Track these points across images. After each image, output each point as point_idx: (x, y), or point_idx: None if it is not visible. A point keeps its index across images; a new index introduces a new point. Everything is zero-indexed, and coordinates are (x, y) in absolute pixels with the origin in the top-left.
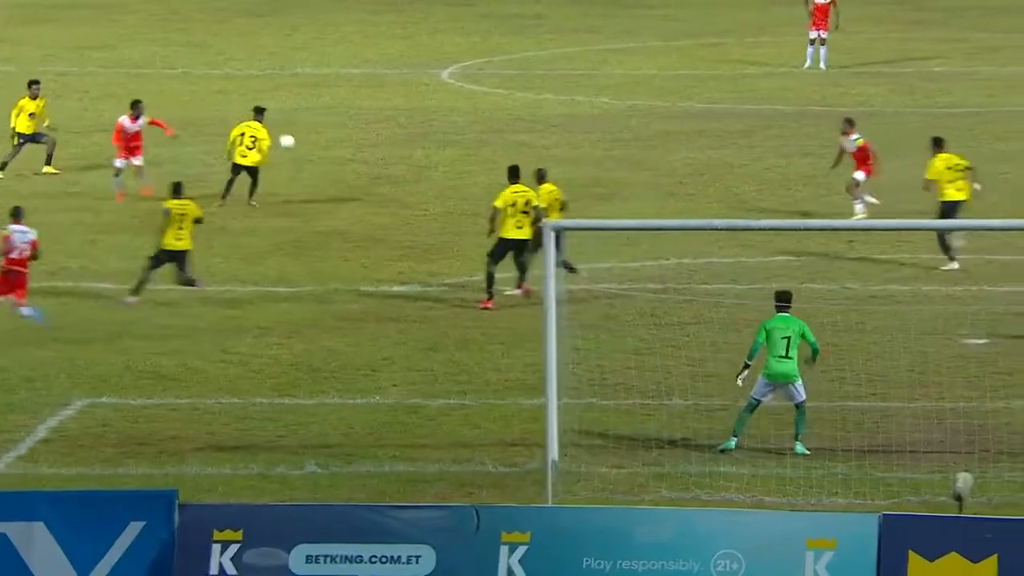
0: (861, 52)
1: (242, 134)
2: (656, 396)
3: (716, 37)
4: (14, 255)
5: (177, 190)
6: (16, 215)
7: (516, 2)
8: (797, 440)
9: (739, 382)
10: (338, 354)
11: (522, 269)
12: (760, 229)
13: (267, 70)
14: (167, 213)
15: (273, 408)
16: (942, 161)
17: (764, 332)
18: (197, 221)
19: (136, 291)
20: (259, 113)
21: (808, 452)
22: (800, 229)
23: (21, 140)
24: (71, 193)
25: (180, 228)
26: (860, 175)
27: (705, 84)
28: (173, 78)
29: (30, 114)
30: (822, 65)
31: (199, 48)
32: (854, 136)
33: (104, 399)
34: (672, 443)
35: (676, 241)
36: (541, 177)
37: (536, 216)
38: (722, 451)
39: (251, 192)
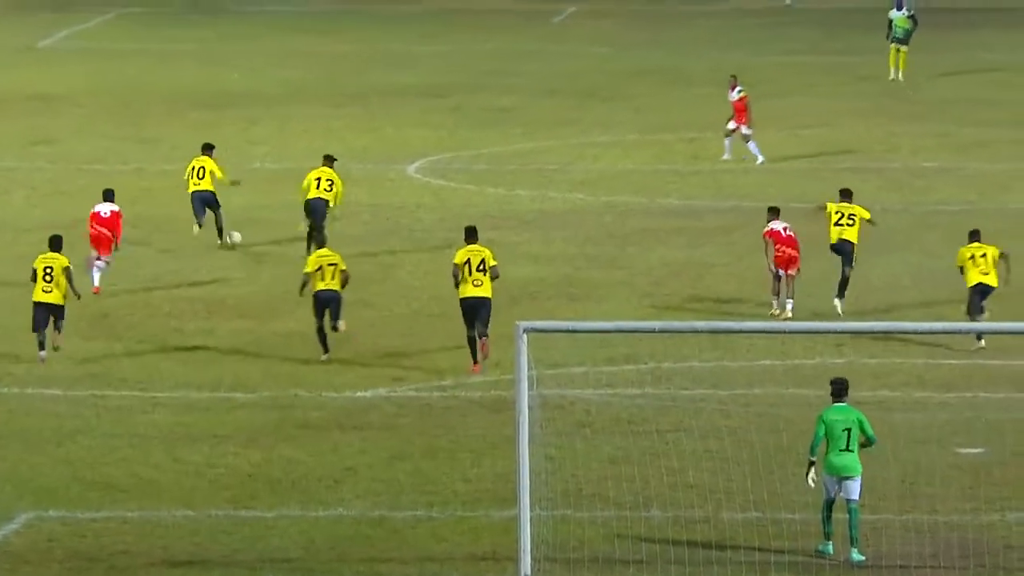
0: (847, 146)
1: (318, 179)
2: (634, 507)
3: (695, 131)
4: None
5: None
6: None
7: (486, 94)
8: (853, 547)
9: (809, 482)
10: (298, 464)
11: (480, 330)
12: (743, 332)
13: (224, 165)
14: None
15: (229, 521)
16: (970, 250)
17: (823, 424)
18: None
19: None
20: (330, 161)
21: (865, 559)
22: (785, 332)
23: None
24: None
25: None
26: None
27: (684, 180)
28: (126, 174)
29: None
30: (759, 159)
31: (152, 143)
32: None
33: (50, 512)
34: (651, 557)
35: (654, 344)
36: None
37: (493, 275)
38: (819, 553)
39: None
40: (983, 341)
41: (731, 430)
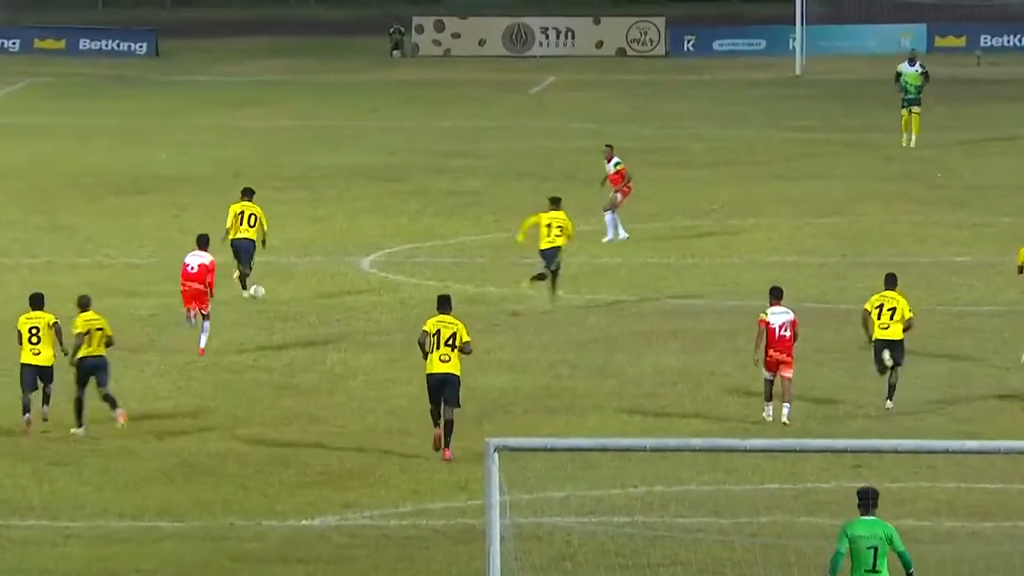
0: (868, 237)
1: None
2: None
3: (692, 219)
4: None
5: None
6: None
7: (450, 176)
8: None
9: None
10: None
11: (447, 413)
12: (747, 451)
13: (149, 258)
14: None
15: None
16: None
17: (846, 539)
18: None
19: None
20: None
21: None
22: (796, 451)
23: None
24: None
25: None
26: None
27: (679, 275)
28: (35, 268)
29: None
30: (621, 234)
31: (66, 232)
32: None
33: None
34: None
35: (646, 464)
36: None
37: (464, 350)
38: None
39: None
40: (890, 402)
41: (734, 564)
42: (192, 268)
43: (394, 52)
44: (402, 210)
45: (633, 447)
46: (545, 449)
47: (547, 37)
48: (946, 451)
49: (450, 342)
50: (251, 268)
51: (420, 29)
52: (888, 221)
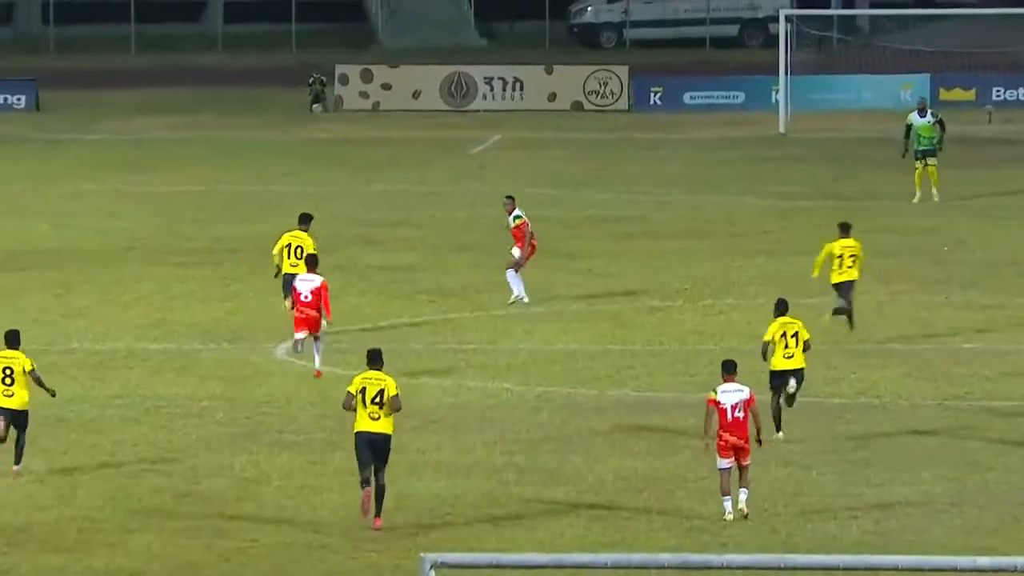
0: (864, 321)
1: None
2: None
3: (660, 299)
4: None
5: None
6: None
7: (380, 250)
8: None
9: None
10: None
11: (379, 476)
12: (723, 568)
13: (30, 344)
14: None
15: None
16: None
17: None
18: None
19: None
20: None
21: None
22: (779, 568)
23: None
24: None
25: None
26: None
27: (646, 363)
28: None
29: None
30: (524, 299)
31: None
32: (515, 213)
33: None
34: None
35: None
36: None
37: (394, 407)
38: None
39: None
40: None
41: None
42: (306, 296)
43: (314, 106)
44: None
45: (592, 564)
46: (490, 566)
47: (491, 88)
48: (955, 569)
49: (377, 399)
50: None
51: (344, 79)
52: (887, 302)
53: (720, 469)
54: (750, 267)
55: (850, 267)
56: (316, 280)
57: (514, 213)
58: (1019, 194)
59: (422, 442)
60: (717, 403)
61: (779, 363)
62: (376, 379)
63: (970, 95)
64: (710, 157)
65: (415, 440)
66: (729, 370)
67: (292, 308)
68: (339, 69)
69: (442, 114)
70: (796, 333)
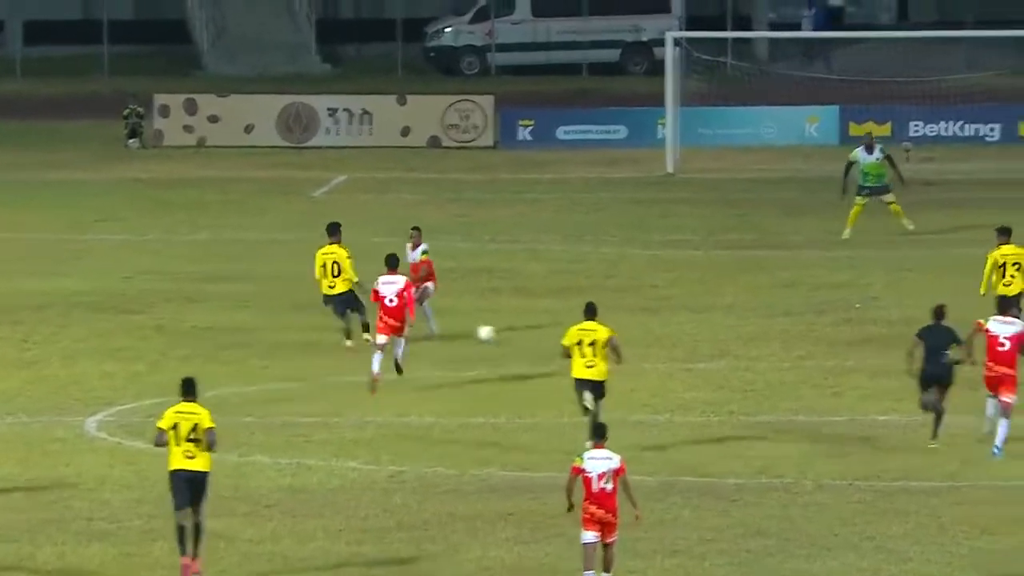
0: (763, 389)
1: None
2: None
3: (530, 364)
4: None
5: None
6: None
7: (206, 308)
8: None
9: None
10: None
11: (197, 513)
12: None
13: None
14: None
15: None
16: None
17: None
18: None
19: None
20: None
21: None
22: None
23: None
24: None
25: None
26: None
27: (513, 439)
28: None
29: None
30: (432, 326)
31: None
32: (422, 247)
33: None
34: None
35: None
36: None
37: (208, 441)
38: None
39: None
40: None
41: None
42: (390, 301)
43: (130, 141)
44: (140, 353)
45: None
46: None
47: (336, 122)
48: None
49: (192, 436)
50: (364, 310)
51: (165, 111)
52: (789, 368)
53: (583, 544)
54: (634, 326)
55: (1013, 276)
56: (400, 281)
57: (421, 247)
58: (940, 243)
59: (255, 531)
60: (582, 471)
61: (579, 371)
62: (190, 413)
63: (885, 129)
64: (588, 200)
65: (246, 528)
66: (599, 435)
67: (353, 339)
68: (158, 99)
69: (279, 151)
70: (594, 341)
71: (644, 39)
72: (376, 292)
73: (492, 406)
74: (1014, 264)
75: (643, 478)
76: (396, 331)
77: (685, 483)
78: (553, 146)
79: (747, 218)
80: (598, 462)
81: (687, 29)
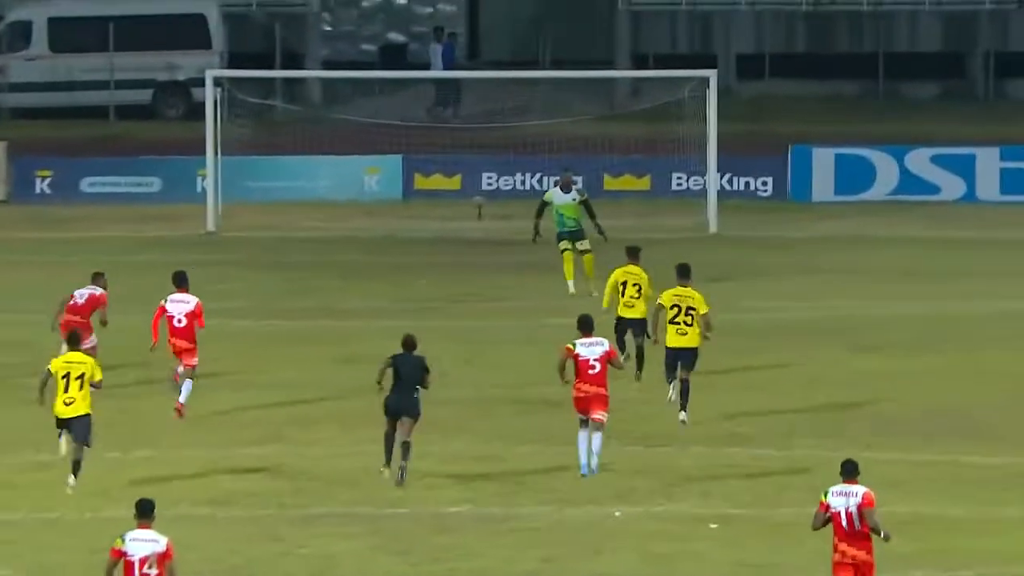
0: (323, 485)
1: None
2: None
3: (50, 452)
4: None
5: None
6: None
7: None
8: None
9: None
10: None
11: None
12: None
13: None
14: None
15: None
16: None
17: None
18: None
19: None
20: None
21: None
22: None
23: None
24: None
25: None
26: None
27: (31, 537)
28: None
29: None
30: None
31: None
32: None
33: None
34: None
35: None
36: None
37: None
38: None
39: None
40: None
41: None
42: (178, 321)
43: None
44: None
45: None
46: None
47: None
48: None
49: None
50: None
51: None
52: (348, 454)
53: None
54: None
55: (635, 298)
56: (191, 301)
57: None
58: (515, 312)
59: None
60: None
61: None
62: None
63: (454, 183)
64: (117, 265)
65: None
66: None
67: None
68: None
69: None
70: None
71: (180, 78)
72: (168, 316)
73: (9, 498)
74: (634, 285)
75: None
76: (187, 353)
77: None
78: (76, 200)
79: (305, 283)
80: (140, 544)
81: (229, 67)
